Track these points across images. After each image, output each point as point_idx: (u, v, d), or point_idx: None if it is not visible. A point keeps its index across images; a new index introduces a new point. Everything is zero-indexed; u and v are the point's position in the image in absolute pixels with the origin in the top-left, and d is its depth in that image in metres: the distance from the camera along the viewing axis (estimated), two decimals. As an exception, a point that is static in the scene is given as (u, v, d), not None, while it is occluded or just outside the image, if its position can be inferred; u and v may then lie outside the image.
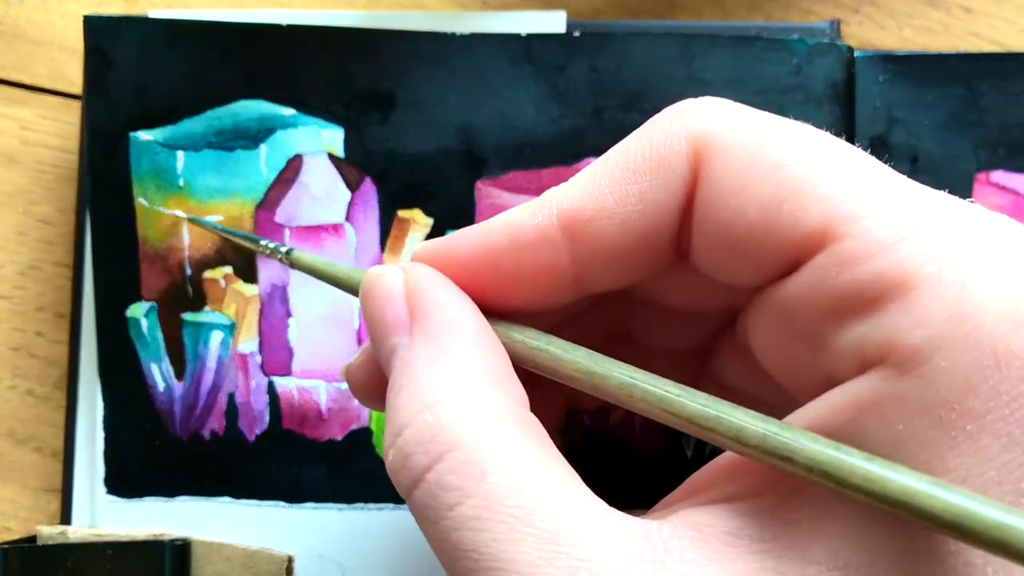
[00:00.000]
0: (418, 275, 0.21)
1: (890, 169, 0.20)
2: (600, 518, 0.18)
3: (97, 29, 0.33)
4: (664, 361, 0.27)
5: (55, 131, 0.35)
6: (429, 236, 0.33)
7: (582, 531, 0.18)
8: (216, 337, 0.33)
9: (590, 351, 0.21)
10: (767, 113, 0.21)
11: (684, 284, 0.23)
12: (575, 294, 0.22)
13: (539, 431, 0.20)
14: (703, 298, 0.24)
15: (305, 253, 0.26)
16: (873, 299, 0.18)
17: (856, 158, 0.19)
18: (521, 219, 0.21)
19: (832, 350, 0.19)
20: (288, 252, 0.26)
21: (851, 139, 0.32)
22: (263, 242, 0.27)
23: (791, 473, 0.18)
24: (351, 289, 0.24)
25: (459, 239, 0.22)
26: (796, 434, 0.18)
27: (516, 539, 0.18)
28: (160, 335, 0.33)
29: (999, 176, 0.32)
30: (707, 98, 0.21)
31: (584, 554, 0.17)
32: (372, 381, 0.24)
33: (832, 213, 0.18)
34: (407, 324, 0.21)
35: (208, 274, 0.33)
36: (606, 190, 0.21)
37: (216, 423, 0.33)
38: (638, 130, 0.21)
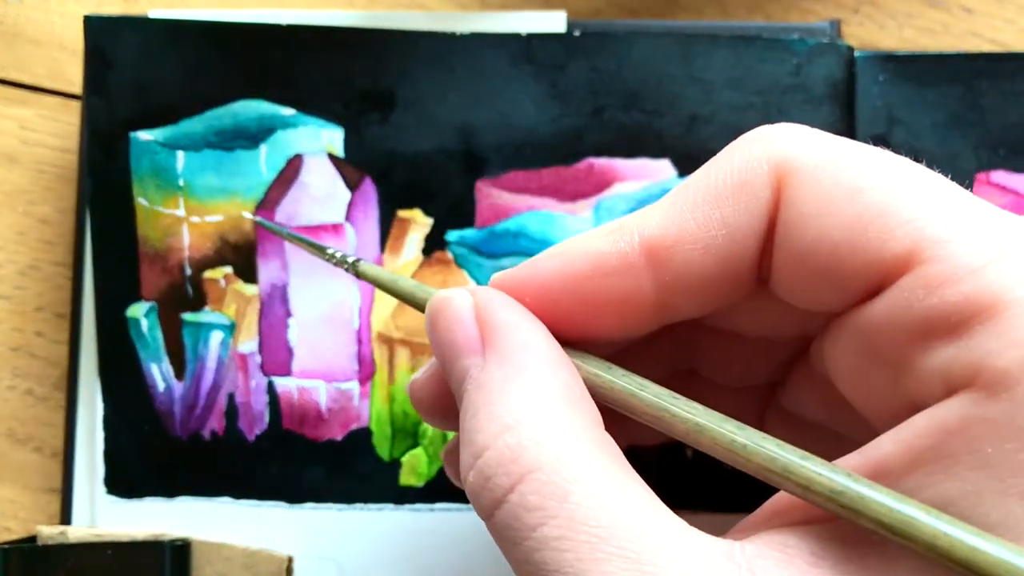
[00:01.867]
0: (487, 296, 0.21)
1: (970, 192, 0.20)
2: (684, 538, 0.18)
3: (97, 29, 0.33)
4: (731, 392, 0.27)
5: (55, 131, 0.35)
6: (429, 236, 0.33)
7: (666, 551, 0.18)
8: (216, 337, 0.33)
9: (660, 388, 0.21)
10: (843, 138, 0.21)
11: (760, 310, 0.23)
12: (653, 323, 0.22)
13: (616, 451, 0.20)
14: (778, 325, 0.23)
15: (371, 265, 0.26)
16: (961, 322, 0.18)
17: (937, 182, 0.19)
18: (602, 246, 0.21)
19: (917, 374, 0.19)
20: (355, 263, 0.26)
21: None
22: (330, 250, 0.27)
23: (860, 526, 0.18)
24: (417, 305, 0.24)
25: (537, 266, 0.22)
26: (863, 488, 0.18)
27: (600, 559, 0.18)
28: (160, 335, 0.33)
29: (999, 176, 0.32)
30: (783, 124, 0.21)
31: (668, 573, 0.17)
32: (437, 398, 0.24)
33: (918, 235, 0.18)
34: (478, 346, 0.21)
35: (208, 274, 0.33)
36: (688, 216, 0.21)
37: (216, 423, 0.33)
38: (715, 157, 0.21)
